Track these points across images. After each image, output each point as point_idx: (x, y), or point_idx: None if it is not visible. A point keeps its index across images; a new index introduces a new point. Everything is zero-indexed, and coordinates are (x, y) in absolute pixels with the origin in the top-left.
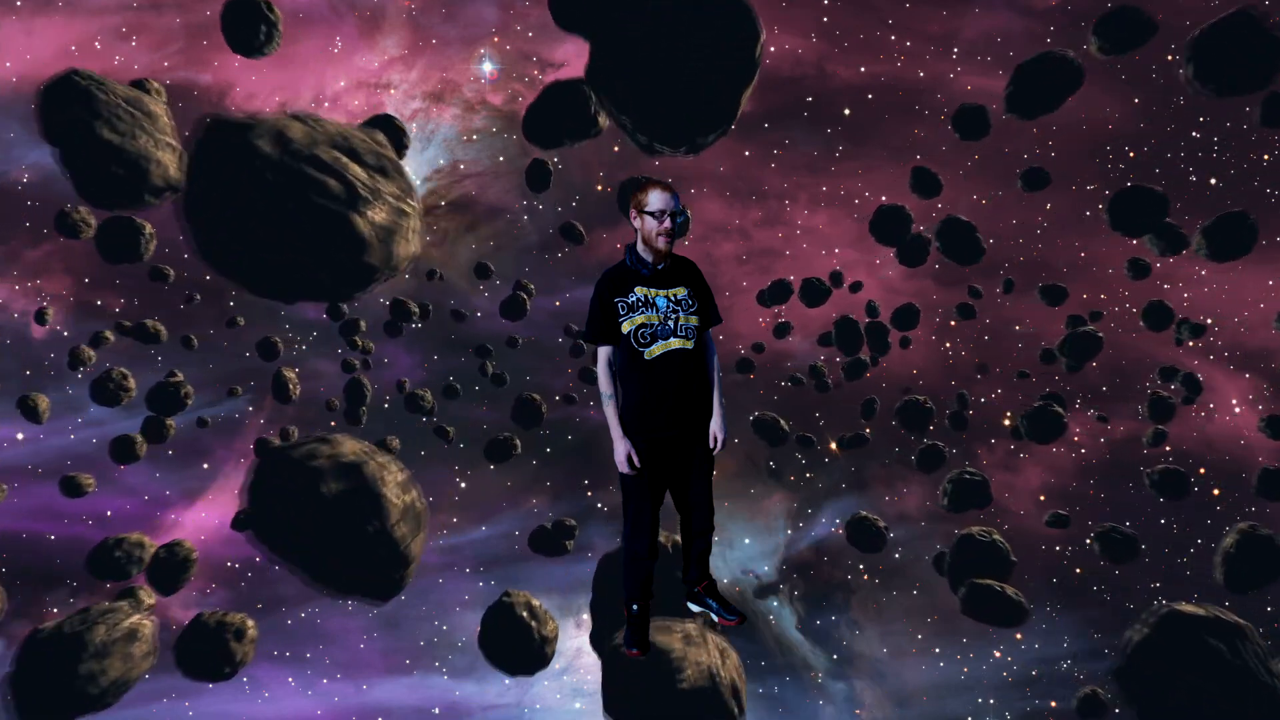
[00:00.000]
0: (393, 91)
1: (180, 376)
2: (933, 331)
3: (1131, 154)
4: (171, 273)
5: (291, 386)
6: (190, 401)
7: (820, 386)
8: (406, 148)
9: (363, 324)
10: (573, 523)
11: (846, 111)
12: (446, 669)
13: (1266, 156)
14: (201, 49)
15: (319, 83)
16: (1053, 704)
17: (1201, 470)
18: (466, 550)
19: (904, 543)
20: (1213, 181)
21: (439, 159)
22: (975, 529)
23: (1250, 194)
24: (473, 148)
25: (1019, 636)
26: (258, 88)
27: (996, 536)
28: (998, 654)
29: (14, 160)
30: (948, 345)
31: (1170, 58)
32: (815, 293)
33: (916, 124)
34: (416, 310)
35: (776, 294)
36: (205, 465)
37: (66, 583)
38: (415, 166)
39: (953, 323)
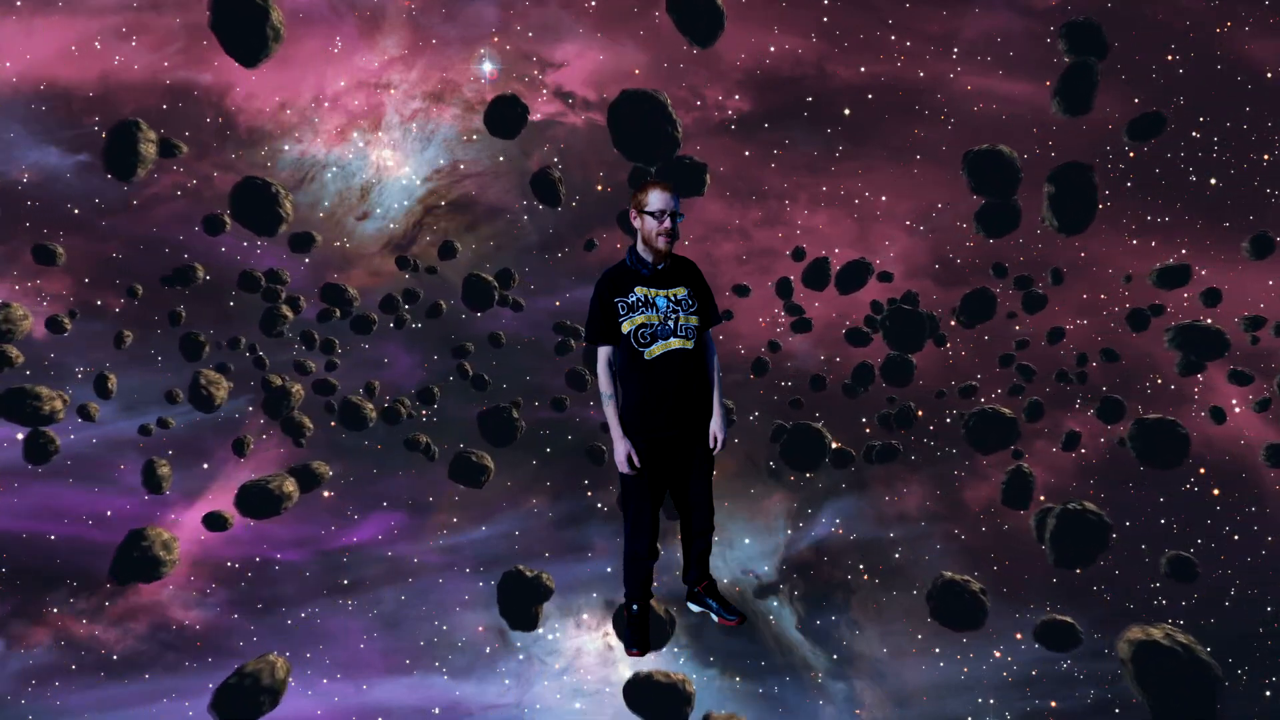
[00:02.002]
0: (393, 91)
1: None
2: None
3: (1132, 154)
4: (61, 251)
5: (213, 390)
6: (61, 413)
7: (852, 390)
8: None
9: (286, 311)
10: (550, 582)
11: (846, 111)
12: (446, 669)
13: (1267, 157)
14: (201, 49)
15: (319, 83)
16: (1053, 704)
17: (1201, 470)
18: (466, 550)
19: (904, 542)
20: (1213, 181)
21: (439, 159)
22: (1156, 633)
23: (1250, 194)
24: (473, 148)
25: (1019, 636)
26: (258, 88)
27: (1178, 638)
28: (998, 654)
29: (14, 160)
30: (948, 346)
31: (1170, 58)
32: (856, 275)
33: (916, 124)
34: (356, 296)
35: (813, 277)
36: (205, 465)
37: (66, 583)
38: (415, 166)
39: (952, 323)
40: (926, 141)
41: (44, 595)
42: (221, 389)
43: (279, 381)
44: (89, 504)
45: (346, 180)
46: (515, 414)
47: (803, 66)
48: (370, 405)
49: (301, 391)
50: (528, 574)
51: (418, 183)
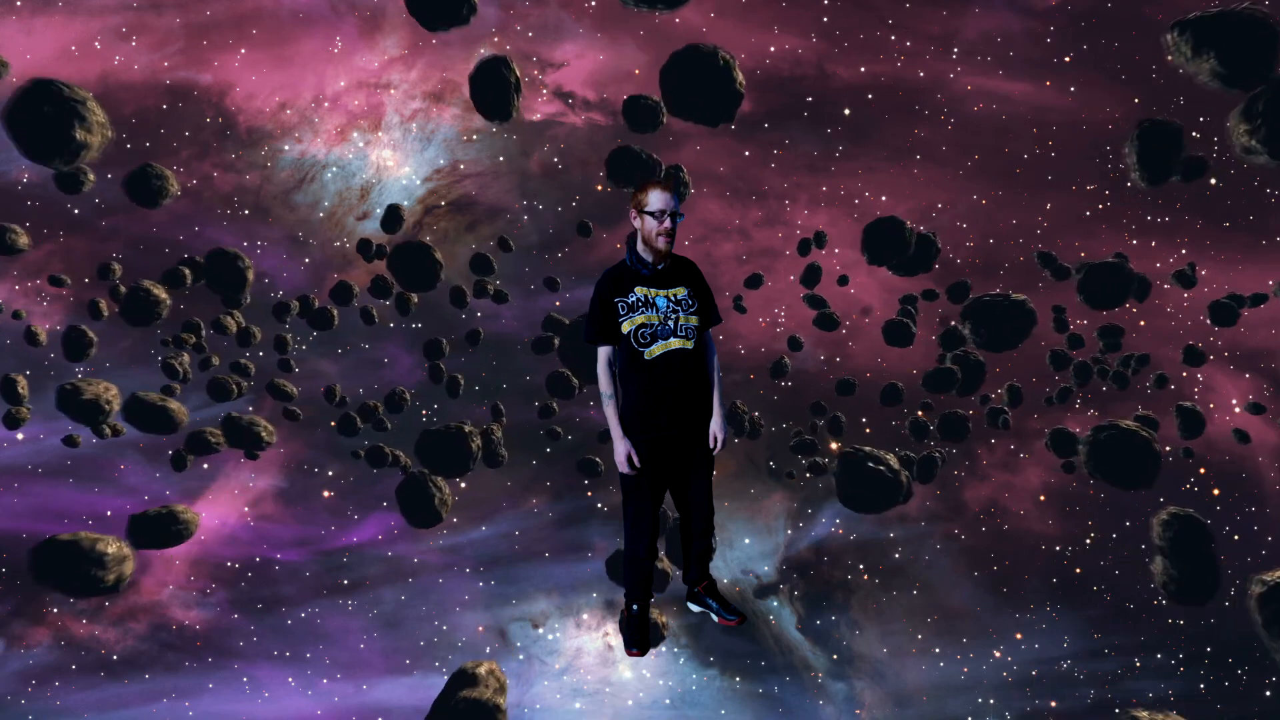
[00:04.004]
0: (393, 91)
1: None
2: (933, 331)
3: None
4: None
5: (85, 390)
6: None
7: (891, 398)
8: None
9: (162, 293)
10: (501, 708)
11: (846, 111)
12: (446, 669)
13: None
14: (201, 49)
15: (319, 83)
16: (1053, 704)
17: (1202, 470)
18: (466, 550)
19: (904, 542)
20: (1213, 181)
21: (439, 159)
22: None
23: (1250, 194)
24: (473, 148)
25: (1019, 636)
26: (258, 88)
27: None
28: (998, 654)
29: (14, 160)
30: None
31: (1170, 58)
32: (923, 254)
33: (916, 124)
34: (250, 279)
35: (879, 242)
36: (205, 465)
37: None
38: (415, 167)
39: (953, 322)
40: (926, 141)
41: (44, 595)
42: (95, 389)
43: (234, 385)
44: (89, 504)
45: (346, 180)
46: (477, 441)
47: (803, 66)
48: (265, 424)
49: (183, 410)
50: (486, 699)
51: (418, 183)
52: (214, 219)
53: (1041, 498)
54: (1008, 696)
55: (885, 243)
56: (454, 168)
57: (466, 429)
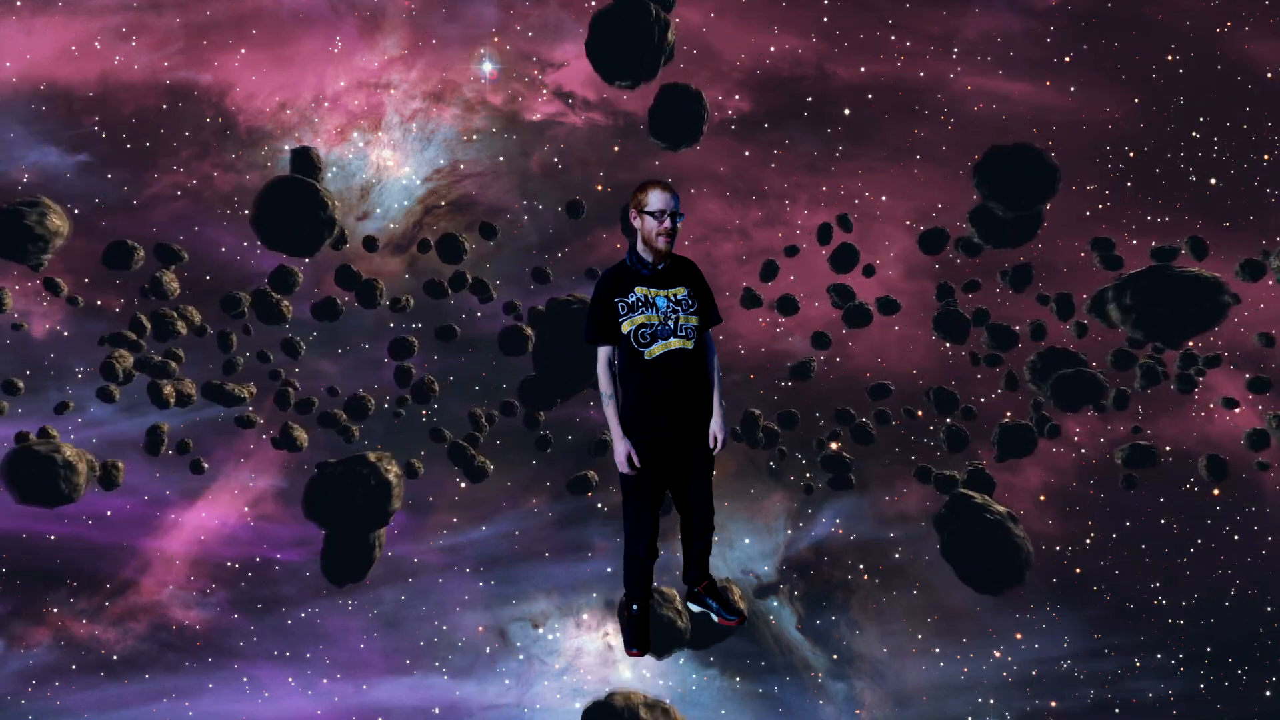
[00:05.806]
0: (393, 91)
1: None
2: (933, 330)
3: (1131, 154)
4: None
5: None
6: None
7: (945, 405)
8: None
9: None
10: None
11: (846, 111)
12: (446, 669)
13: (1267, 156)
14: (201, 49)
15: (319, 83)
16: (1053, 704)
17: (1202, 470)
18: (466, 550)
19: (904, 542)
20: (1213, 181)
21: (439, 159)
22: None
23: (1250, 194)
24: (473, 148)
25: (1019, 636)
26: (258, 88)
27: None
28: (998, 654)
29: (14, 160)
30: (946, 345)
31: (1170, 58)
32: (1028, 225)
33: (916, 124)
34: (57, 233)
35: (1008, 176)
36: (205, 465)
37: (67, 582)
38: (415, 167)
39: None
40: (926, 141)
41: (44, 595)
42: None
43: (170, 390)
44: (89, 504)
45: (346, 180)
46: (393, 471)
47: (803, 66)
48: (86, 461)
49: (61, 437)
50: None
51: (418, 183)
52: (214, 219)
53: (1041, 498)
54: (1008, 696)
55: (1018, 179)
56: (454, 168)
57: (373, 457)
